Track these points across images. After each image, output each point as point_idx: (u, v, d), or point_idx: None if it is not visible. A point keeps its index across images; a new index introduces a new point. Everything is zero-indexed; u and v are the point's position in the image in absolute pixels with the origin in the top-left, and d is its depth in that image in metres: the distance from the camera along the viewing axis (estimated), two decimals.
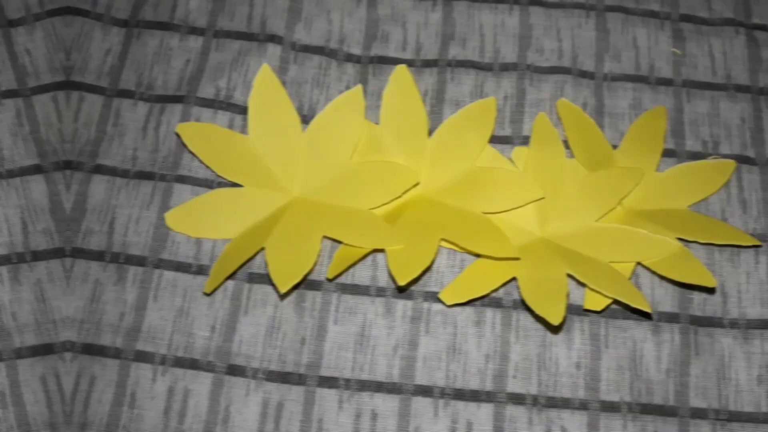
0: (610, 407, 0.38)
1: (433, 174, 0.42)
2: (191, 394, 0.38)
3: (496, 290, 0.40)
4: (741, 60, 0.46)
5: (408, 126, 0.43)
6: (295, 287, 0.40)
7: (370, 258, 0.41)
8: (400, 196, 0.41)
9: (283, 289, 0.38)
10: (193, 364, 0.39)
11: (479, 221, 0.40)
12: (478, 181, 0.41)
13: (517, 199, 0.41)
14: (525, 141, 0.44)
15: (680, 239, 0.41)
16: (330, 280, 0.40)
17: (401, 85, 0.43)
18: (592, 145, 0.42)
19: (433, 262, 0.40)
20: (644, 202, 0.42)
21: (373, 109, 0.44)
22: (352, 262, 0.40)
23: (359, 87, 0.43)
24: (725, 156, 0.44)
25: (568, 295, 0.39)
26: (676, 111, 0.45)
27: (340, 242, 0.41)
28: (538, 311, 0.38)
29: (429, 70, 0.45)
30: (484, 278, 0.39)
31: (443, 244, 0.41)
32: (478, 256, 0.40)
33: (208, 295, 0.40)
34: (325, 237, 0.41)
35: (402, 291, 0.40)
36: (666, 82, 0.46)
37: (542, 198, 0.41)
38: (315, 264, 0.40)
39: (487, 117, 0.43)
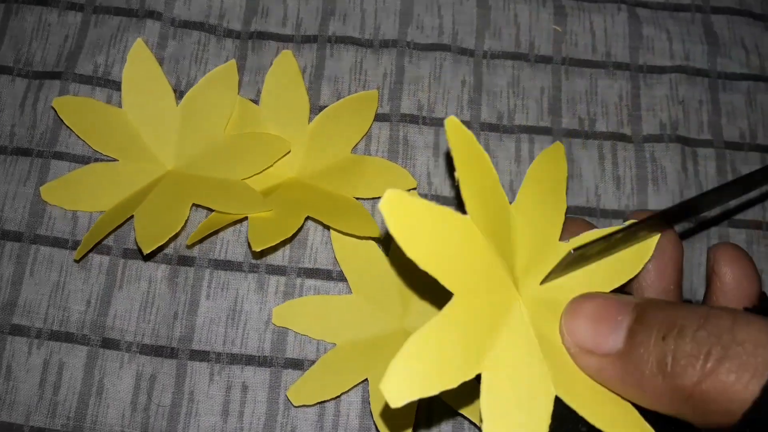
0: None
1: (309, 160, 0.44)
2: (66, 366, 0.41)
3: (347, 392, 0.41)
4: (622, 37, 0.49)
5: (288, 111, 0.45)
6: (169, 262, 0.42)
7: (243, 234, 0.43)
8: (271, 165, 0.43)
9: (146, 250, 0.39)
10: (68, 338, 0.41)
11: (348, 203, 0.43)
12: (352, 168, 0.44)
13: (388, 188, 0.43)
14: (403, 119, 0.46)
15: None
16: (189, 247, 0.43)
17: (285, 70, 0.45)
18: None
19: (295, 236, 0.43)
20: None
21: (252, 85, 0.46)
22: (213, 230, 0.42)
23: (233, 62, 0.45)
24: (601, 133, 0.46)
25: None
26: (554, 89, 0.47)
27: (212, 211, 0.43)
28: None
29: (309, 46, 0.47)
30: (335, 377, 0.41)
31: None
32: (341, 233, 0.43)
33: (77, 261, 0.42)
34: (195, 205, 0.43)
35: (256, 258, 0.43)
36: (545, 60, 0.48)
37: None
38: (182, 228, 0.42)
39: (368, 109, 0.45)
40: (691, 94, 0.47)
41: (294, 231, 0.41)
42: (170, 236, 0.40)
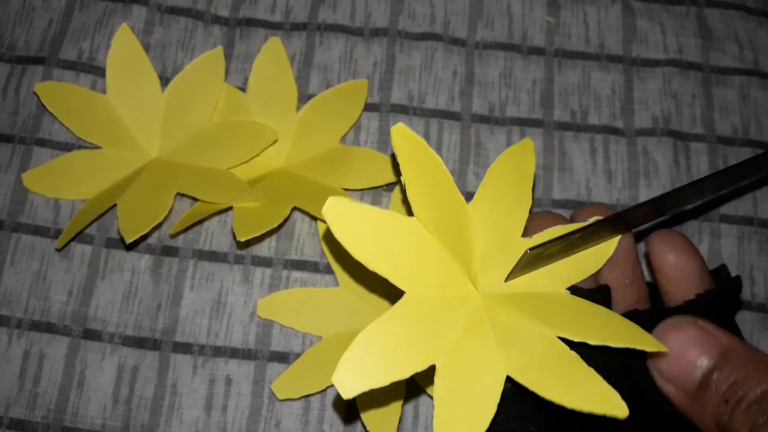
0: None
1: (296, 150, 0.43)
2: (47, 357, 0.40)
3: (332, 386, 0.40)
4: (615, 29, 0.48)
5: (276, 100, 0.44)
6: (153, 252, 0.42)
7: (228, 225, 0.43)
8: (258, 155, 0.43)
9: (129, 239, 0.39)
10: (49, 328, 0.41)
11: (336, 194, 0.42)
12: (340, 159, 0.43)
13: (377, 179, 0.43)
14: (393, 109, 0.45)
15: None
16: (172, 236, 0.42)
17: (273, 57, 0.45)
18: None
19: (281, 227, 0.42)
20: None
21: (239, 73, 0.45)
22: (197, 219, 0.41)
23: (219, 48, 0.44)
24: (593, 126, 0.46)
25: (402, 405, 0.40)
26: (546, 81, 0.47)
27: (197, 200, 0.42)
28: (368, 426, 0.39)
29: (298, 34, 0.47)
30: (320, 370, 0.40)
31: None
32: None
33: (58, 250, 0.42)
34: (179, 194, 0.42)
35: (242, 248, 0.42)
36: (538, 51, 0.47)
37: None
38: (166, 218, 0.41)
39: (357, 98, 0.45)
40: (684, 88, 0.47)
41: (280, 221, 0.40)
42: (153, 225, 0.39)
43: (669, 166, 0.45)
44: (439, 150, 0.45)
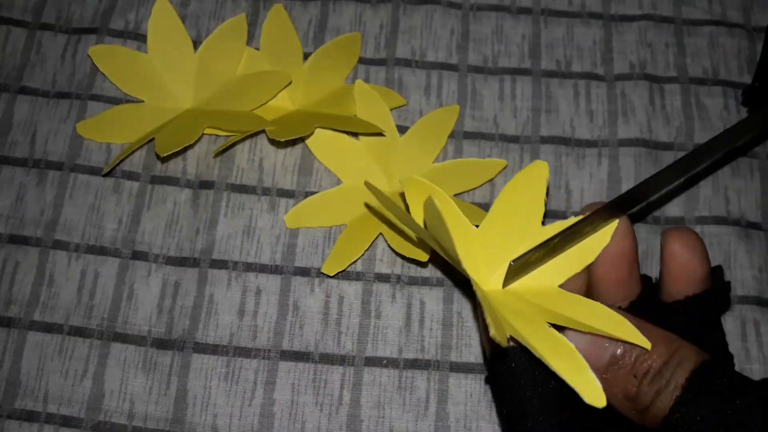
0: None
1: (308, 93, 0.51)
2: (100, 275, 0.48)
3: (368, 248, 0.48)
4: None
5: (284, 53, 0.52)
6: (192, 186, 0.49)
7: (257, 163, 0.50)
8: (275, 97, 0.51)
9: (163, 153, 0.46)
10: (102, 251, 0.48)
11: (347, 116, 0.50)
12: (347, 95, 0.51)
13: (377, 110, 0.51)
14: (398, 62, 0.53)
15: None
16: (215, 156, 0.50)
17: (278, 21, 0.53)
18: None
19: (309, 136, 0.50)
20: None
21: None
22: (235, 140, 0.50)
23: (243, 15, 0.53)
24: (576, 74, 0.53)
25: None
26: (534, 36, 0.54)
27: (221, 131, 0.50)
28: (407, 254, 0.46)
29: (313, 3, 0.55)
30: (355, 244, 0.48)
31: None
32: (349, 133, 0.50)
33: (105, 175, 0.49)
34: (212, 135, 0.50)
35: (275, 143, 0.50)
36: (526, 11, 0.55)
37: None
38: (197, 140, 0.49)
39: (353, 47, 0.53)
40: (658, 38, 0.54)
41: (309, 132, 0.49)
42: (186, 145, 0.47)
43: (645, 105, 0.52)
44: (439, 97, 0.52)
